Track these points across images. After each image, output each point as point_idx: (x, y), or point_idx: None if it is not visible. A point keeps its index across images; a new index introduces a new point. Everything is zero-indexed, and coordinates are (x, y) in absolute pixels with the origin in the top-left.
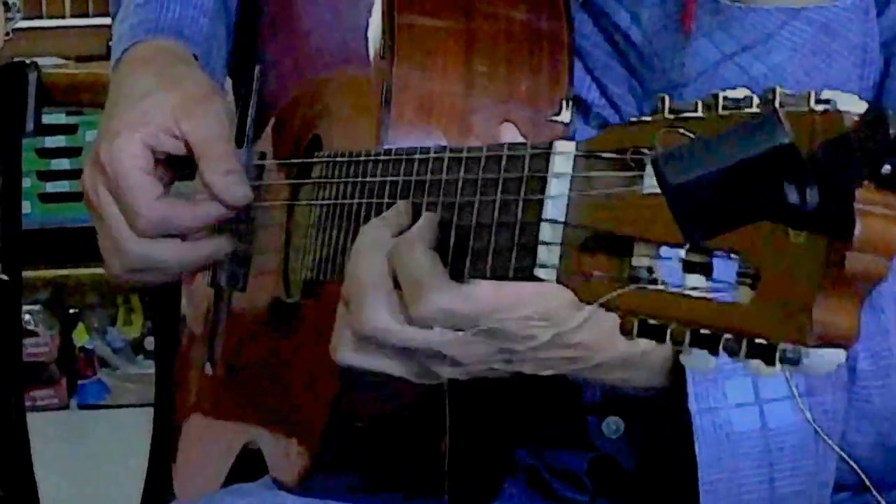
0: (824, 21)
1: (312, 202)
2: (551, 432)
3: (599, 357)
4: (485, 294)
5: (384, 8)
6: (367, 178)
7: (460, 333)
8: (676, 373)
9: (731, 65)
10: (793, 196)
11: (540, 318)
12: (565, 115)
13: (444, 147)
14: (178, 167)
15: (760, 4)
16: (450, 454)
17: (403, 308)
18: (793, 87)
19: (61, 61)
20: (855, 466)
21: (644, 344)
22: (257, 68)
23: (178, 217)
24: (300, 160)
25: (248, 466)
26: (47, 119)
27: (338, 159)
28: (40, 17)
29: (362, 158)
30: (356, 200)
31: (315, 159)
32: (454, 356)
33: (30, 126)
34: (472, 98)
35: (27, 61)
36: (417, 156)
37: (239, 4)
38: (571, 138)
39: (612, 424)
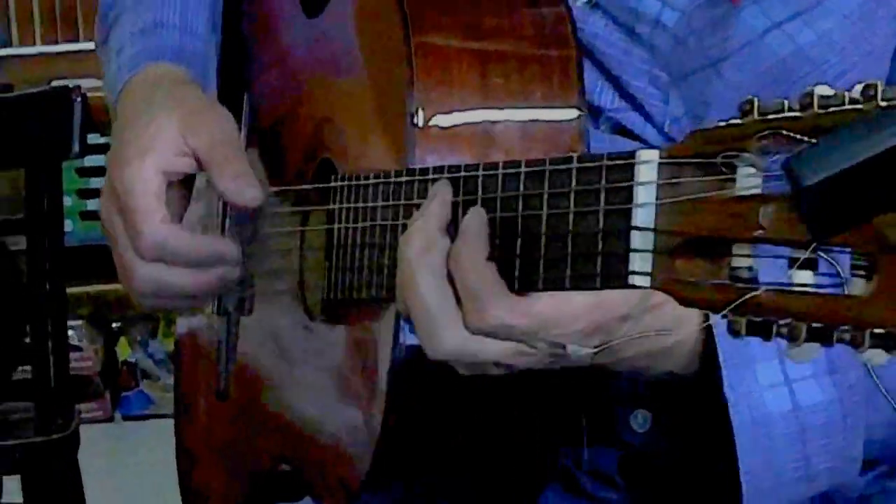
0: None
1: (336, 227)
2: (582, 430)
3: (627, 353)
4: (543, 309)
5: (398, 21)
6: (414, 200)
7: (517, 345)
8: (705, 360)
9: (779, 33)
10: None
11: (593, 330)
12: (580, 119)
13: (497, 163)
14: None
15: None
16: (496, 460)
17: (462, 318)
18: (837, 56)
19: (100, 83)
20: None
21: (673, 338)
22: (246, 96)
23: (176, 242)
24: (322, 185)
25: (276, 489)
26: (89, 139)
27: (373, 181)
28: (77, 41)
29: (404, 179)
30: (400, 221)
31: (338, 183)
32: (509, 364)
33: (76, 148)
34: (491, 108)
35: (71, 85)
36: (462, 173)
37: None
38: (588, 145)
39: (640, 418)
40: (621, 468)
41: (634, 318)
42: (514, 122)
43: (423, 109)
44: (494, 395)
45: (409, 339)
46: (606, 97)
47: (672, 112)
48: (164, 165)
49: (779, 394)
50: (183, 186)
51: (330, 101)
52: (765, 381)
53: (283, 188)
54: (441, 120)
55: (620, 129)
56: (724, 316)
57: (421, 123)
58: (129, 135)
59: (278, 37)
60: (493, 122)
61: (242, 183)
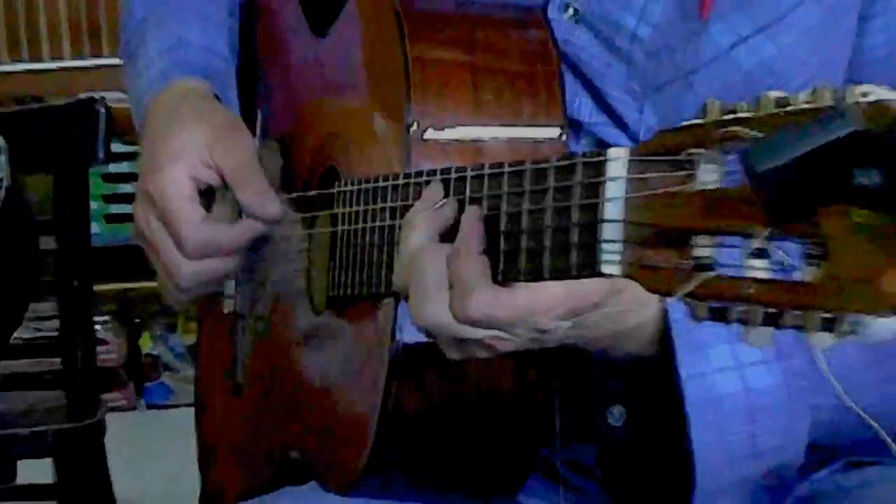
0: (832, 4)
1: (340, 229)
2: (563, 426)
3: (595, 334)
4: (522, 301)
5: (397, 40)
6: (409, 202)
7: (499, 332)
8: (663, 343)
9: (744, 47)
10: (862, 178)
11: (567, 315)
12: (561, 132)
13: (482, 165)
14: (213, 197)
15: None
16: (483, 452)
17: (449, 303)
18: (798, 67)
19: (123, 95)
20: (860, 411)
21: (634, 321)
22: (259, 113)
23: (221, 236)
24: (324, 191)
25: (288, 476)
26: (113, 147)
27: (370, 185)
28: (102, 56)
29: (401, 182)
30: (397, 221)
31: (340, 189)
32: (492, 345)
33: (101, 154)
34: (482, 123)
35: (96, 97)
36: (453, 175)
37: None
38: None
39: (616, 413)
40: (599, 460)
41: (603, 303)
42: (502, 136)
43: (418, 122)
44: (483, 390)
45: (405, 335)
46: (586, 110)
47: (646, 121)
48: (192, 172)
49: (729, 376)
50: (205, 194)
51: (335, 114)
52: (716, 364)
53: (292, 195)
54: (435, 132)
55: (600, 144)
56: (687, 302)
57: (416, 135)
58: (159, 145)
59: (289, 55)
60: (483, 136)
61: (263, 199)
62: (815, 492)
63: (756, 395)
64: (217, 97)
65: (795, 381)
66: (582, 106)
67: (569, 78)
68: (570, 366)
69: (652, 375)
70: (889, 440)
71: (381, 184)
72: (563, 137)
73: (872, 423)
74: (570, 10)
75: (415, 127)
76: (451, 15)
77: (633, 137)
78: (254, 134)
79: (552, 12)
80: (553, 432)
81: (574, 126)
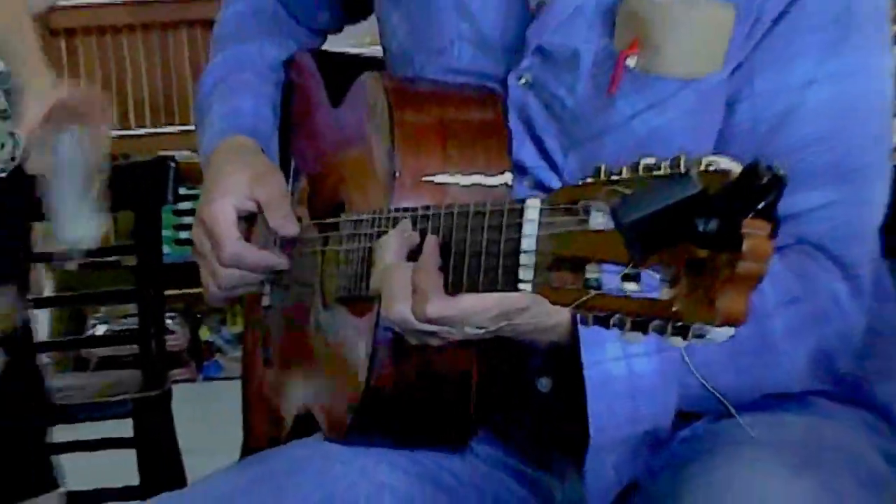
0: (705, 90)
1: (341, 247)
2: (504, 393)
3: (524, 329)
4: (466, 306)
5: (386, 110)
6: (387, 231)
7: (447, 328)
8: (574, 337)
9: (639, 120)
10: (701, 226)
11: (501, 316)
12: (507, 177)
13: (440, 206)
14: (253, 224)
15: (663, 76)
16: (439, 410)
17: (411, 306)
18: (680, 138)
19: (189, 153)
20: (714, 391)
21: (553, 321)
22: (293, 163)
23: (248, 255)
24: (333, 219)
25: (302, 430)
26: (181, 191)
27: (362, 217)
28: (174, 124)
29: (384, 216)
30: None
31: (343, 218)
32: (444, 337)
33: (170, 198)
34: (448, 171)
35: (168, 154)
36: (419, 212)
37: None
38: (515, 195)
39: (544, 382)
40: (532, 419)
41: (529, 308)
42: (463, 182)
43: (401, 171)
44: (441, 366)
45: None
46: (529, 156)
47: (570, 166)
48: (236, 203)
49: (619, 364)
50: (245, 222)
51: (344, 163)
52: (611, 355)
53: (311, 222)
54: (413, 179)
55: (538, 183)
56: (577, 312)
57: (399, 180)
58: (213, 184)
59: (314, 119)
60: (449, 182)
61: (287, 221)
62: (693, 435)
63: (637, 378)
64: (262, 150)
65: (669, 368)
66: (527, 154)
67: (521, 129)
68: (506, 350)
69: (569, 358)
70: (733, 409)
71: (368, 216)
72: (509, 184)
73: (720, 396)
74: (524, 80)
75: (398, 174)
76: (427, 90)
77: (561, 177)
78: (287, 177)
79: (511, 80)
80: (495, 397)
81: (520, 170)
